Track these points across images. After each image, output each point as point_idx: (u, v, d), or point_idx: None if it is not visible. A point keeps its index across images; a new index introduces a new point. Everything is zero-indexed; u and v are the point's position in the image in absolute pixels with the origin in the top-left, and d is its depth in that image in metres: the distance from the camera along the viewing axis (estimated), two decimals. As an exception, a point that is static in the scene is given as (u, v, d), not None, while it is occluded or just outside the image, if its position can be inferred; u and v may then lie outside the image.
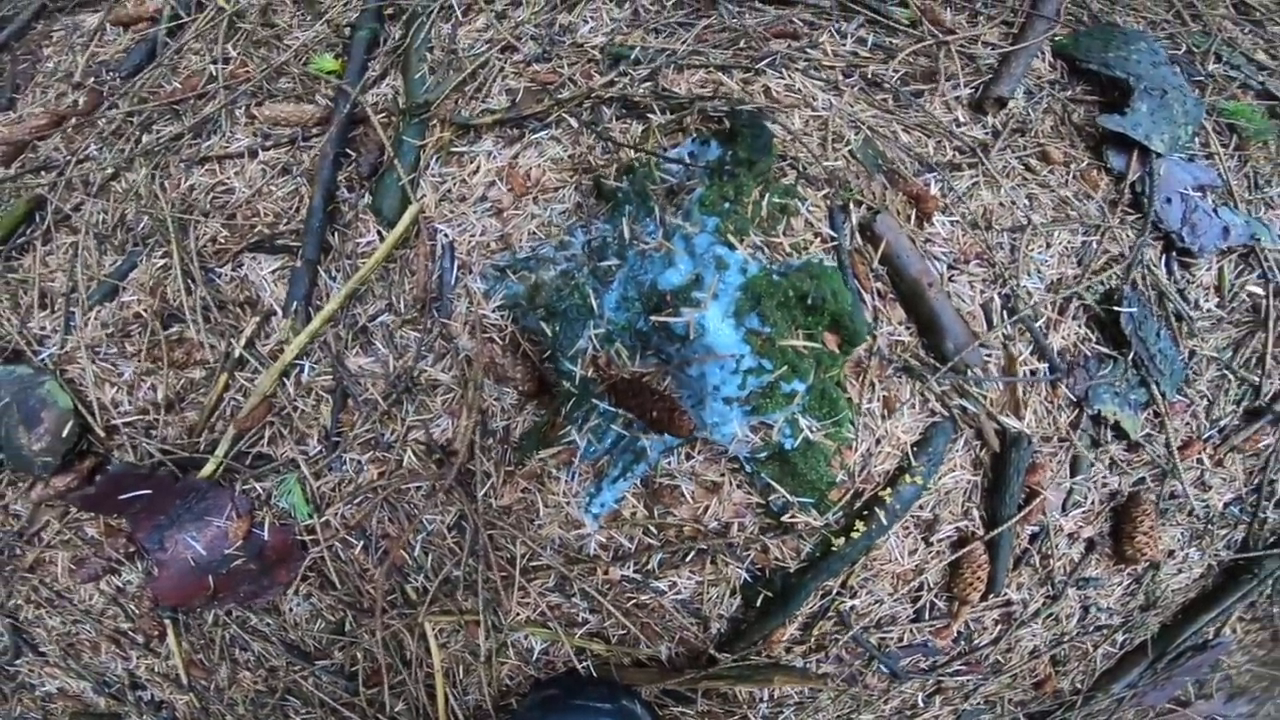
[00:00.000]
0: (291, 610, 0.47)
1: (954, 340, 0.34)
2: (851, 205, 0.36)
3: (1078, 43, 0.46)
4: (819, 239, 0.35)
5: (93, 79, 0.57)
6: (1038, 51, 0.46)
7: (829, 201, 0.36)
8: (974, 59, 0.44)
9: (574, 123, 0.41)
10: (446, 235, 0.40)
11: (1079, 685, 0.47)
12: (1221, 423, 0.42)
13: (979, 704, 0.46)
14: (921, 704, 0.44)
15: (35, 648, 0.55)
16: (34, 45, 0.63)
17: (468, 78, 0.44)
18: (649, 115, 0.41)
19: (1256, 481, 0.43)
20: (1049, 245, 0.38)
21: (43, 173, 0.52)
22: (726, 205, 0.33)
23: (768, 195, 0.33)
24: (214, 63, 0.51)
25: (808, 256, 0.33)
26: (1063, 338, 0.38)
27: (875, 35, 0.45)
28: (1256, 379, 0.42)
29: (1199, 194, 0.42)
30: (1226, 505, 0.43)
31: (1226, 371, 0.41)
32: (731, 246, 0.32)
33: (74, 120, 0.55)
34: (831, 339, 0.32)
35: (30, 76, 0.60)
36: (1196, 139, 0.44)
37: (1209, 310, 0.42)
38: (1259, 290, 0.42)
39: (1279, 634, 0.50)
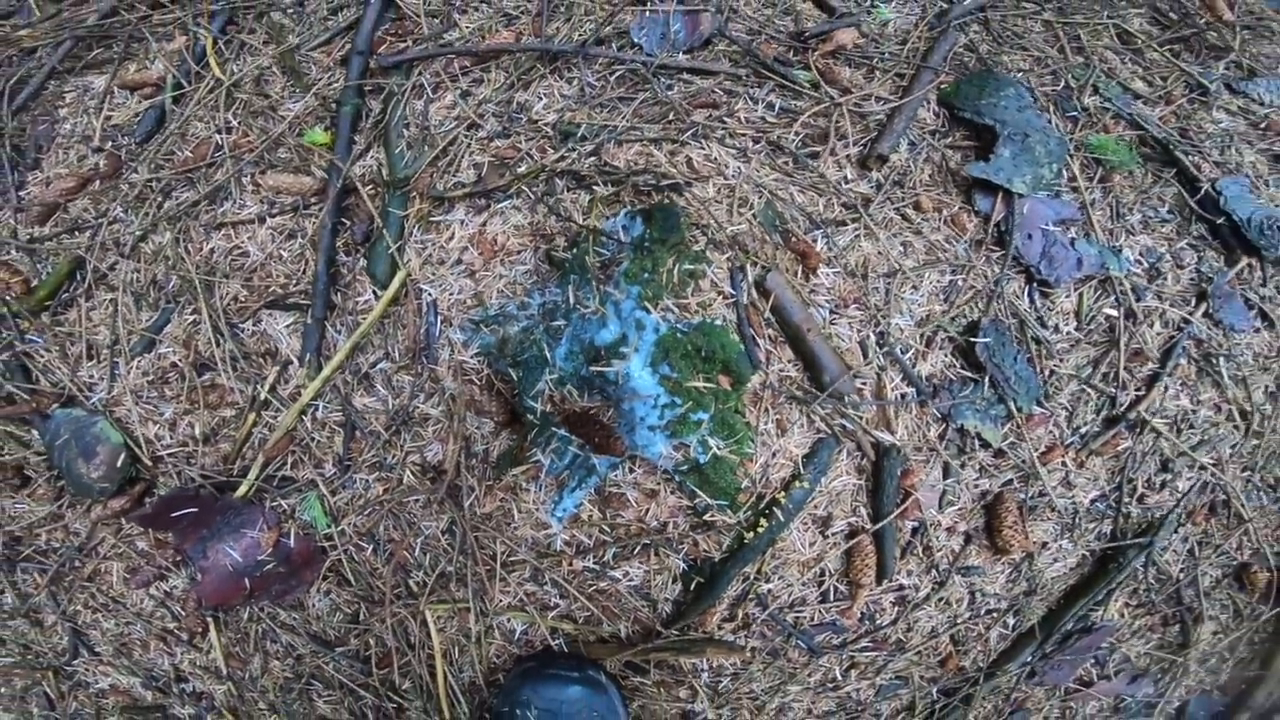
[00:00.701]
0: (314, 605, 0.67)
1: (830, 373, 0.52)
2: (748, 265, 0.54)
3: (958, 91, 0.63)
4: (721, 296, 0.53)
5: (110, 143, 0.76)
6: (923, 102, 0.62)
7: (730, 263, 0.54)
8: (864, 116, 0.61)
9: (531, 195, 0.59)
10: (430, 294, 0.59)
11: (980, 663, 0.66)
12: (1082, 430, 0.59)
13: (892, 678, 0.65)
14: (840, 677, 0.63)
15: (91, 648, 0.77)
16: (49, 106, 0.82)
17: (440, 154, 0.62)
18: (594, 187, 0.59)
19: (1117, 481, 0.61)
20: (918, 287, 0.56)
21: (76, 233, 0.71)
22: (646, 275, 0.51)
23: (679, 264, 0.51)
24: (218, 131, 0.70)
25: (703, 317, 0.51)
26: (930, 365, 0.55)
27: (782, 99, 0.62)
28: (1113, 391, 0.60)
29: (1059, 228, 0.59)
30: (1092, 502, 0.61)
31: (1085, 386, 0.59)
32: (648, 310, 0.50)
33: (98, 183, 0.74)
34: (725, 380, 0.50)
35: (51, 137, 0.79)
36: (1063, 175, 0.61)
37: (1068, 333, 0.59)
38: (1113, 312, 0.60)
39: (1168, 619, 0.68)
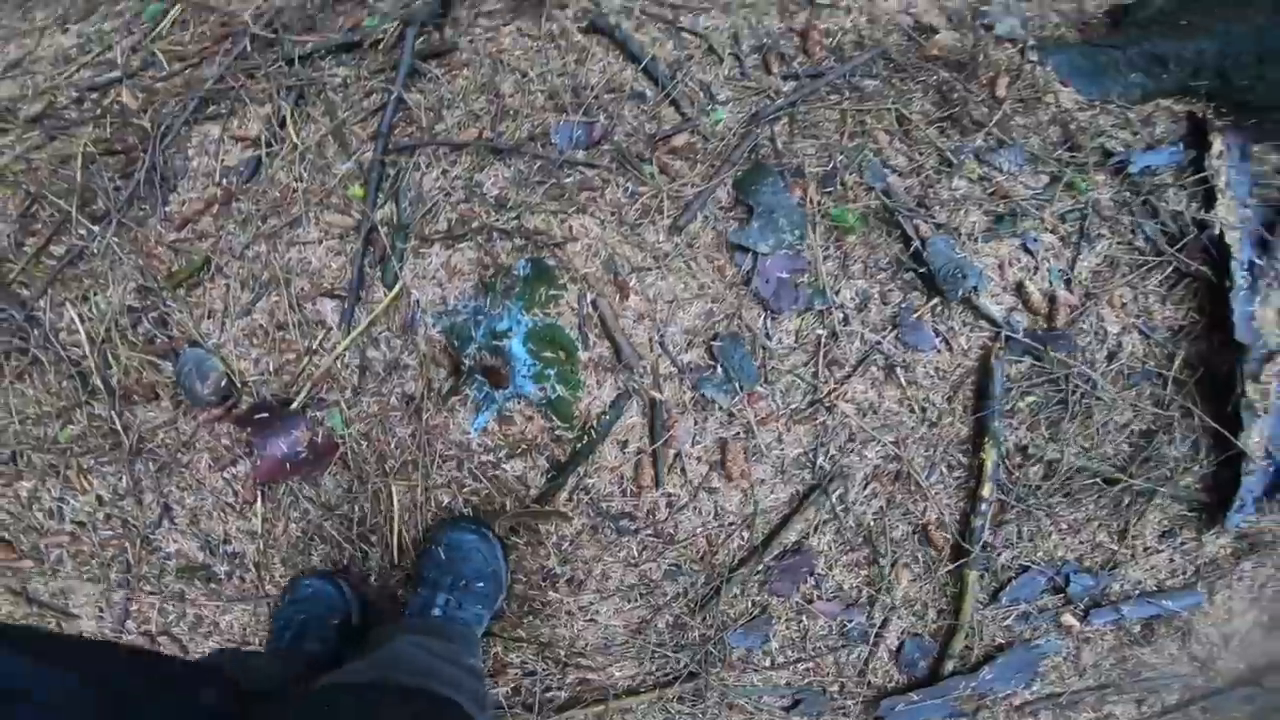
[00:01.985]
0: (325, 483, 1.53)
1: (626, 356, 1.32)
2: (588, 293, 1.35)
3: (742, 179, 1.41)
4: (571, 310, 1.34)
5: (225, 179, 1.65)
6: (720, 186, 1.42)
7: (579, 290, 1.35)
8: (679, 197, 1.41)
9: (478, 242, 1.42)
10: (416, 296, 1.43)
11: (727, 564, 1.42)
12: (791, 406, 1.36)
13: (670, 565, 1.43)
14: (637, 555, 1.42)
15: (172, 519, 1.66)
16: (183, 145, 1.74)
17: (427, 210, 1.47)
18: (514, 240, 1.42)
19: (815, 444, 1.37)
20: (688, 310, 1.35)
21: (203, 239, 1.61)
22: (527, 296, 1.34)
23: (547, 290, 1.34)
24: (295, 180, 1.58)
25: (554, 320, 1.33)
26: (689, 356, 1.34)
27: (634, 185, 1.43)
28: (815, 384, 1.36)
29: (792, 273, 1.37)
30: (796, 456, 1.37)
31: (795, 377, 1.36)
32: (524, 314, 1.33)
33: (217, 208, 1.63)
34: (564, 354, 1.31)
35: (185, 171, 1.70)
36: (804, 238, 1.38)
37: (788, 344, 1.36)
38: (821, 332, 1.36)
39: (868, 559, 1.42)
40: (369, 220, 1.46)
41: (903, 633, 1.48)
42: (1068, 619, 1.46)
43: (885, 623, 1.46)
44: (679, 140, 1.43)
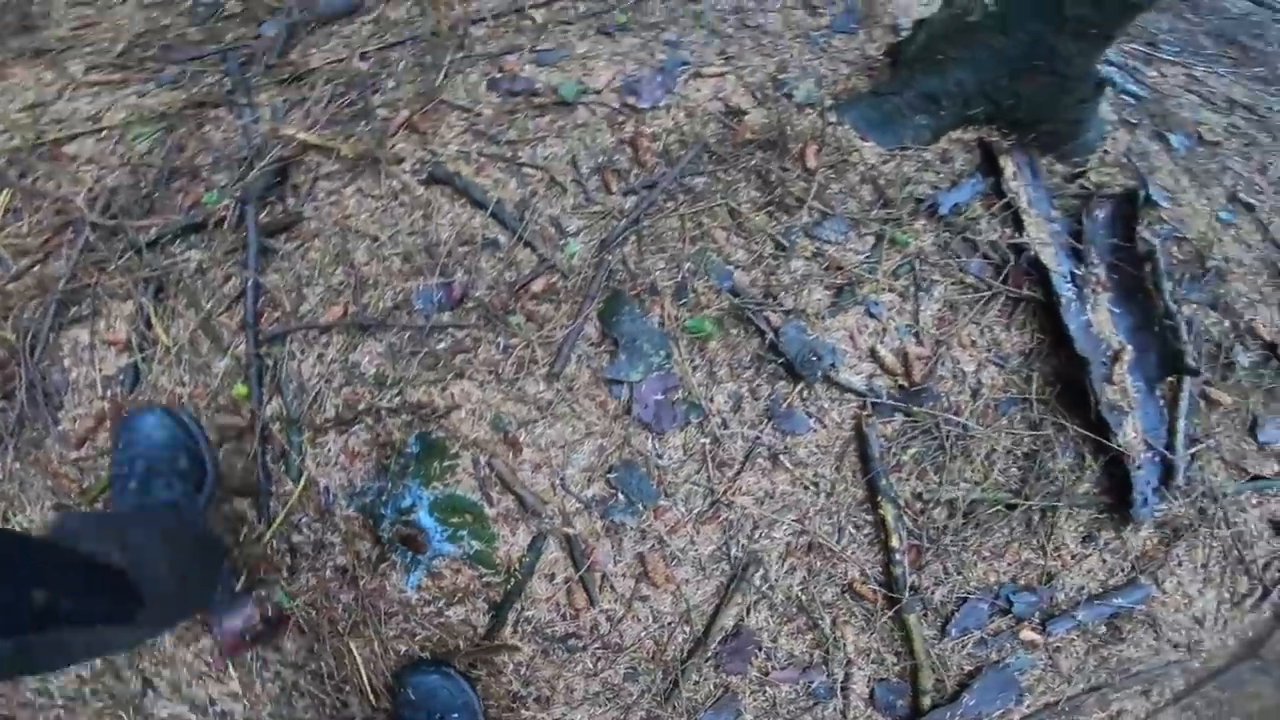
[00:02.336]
0: (287, 647, 1.65)
1: (531, 505, 1.43)
2: (481, 455, 1.43)
3: (604, 311, 1.48)
4: (469, 474, 1.43)
5: (108, 390, 1.66)
6: (587, 321, 1.49)
7: (472, 455, 1.44)
8: (550, 342, 1.48)
9: (368, 422, 1.48)
10: (323, 483, 1.50)
11: (678, 657, 1.60)
12: (695, 510, 1.50)
13: (627, 668, 1.60)
14: (593, 668, 1.59)
15: (155, 689, 1.78)
16: (55, 356, 1.72)
17: (311, 399, 1.52)
18: (401, 416, 1.48)
19: (725, 539, 1.52)
20: (580, 451, 1.45)
21: (106, 455, 1.63)
22: (423, 471, 1.42)
23: (440, 463, 1.42)
24: (178, 384, 1.60)
25: (454, 489, 1.42)
26: (591, 491, 1.46)
27: (505, 339, 1.49)
28: (711, 486, 1.49)
29: (666, 393, 1.47)
30: (711, 552, 1.52)
31: (693, 485, 1.49)
32: (425, 489, 1.42)
33: (109, 421, 1.65)
34: (471, 516, 1.42)
35: (66, 384, 1.70)
36: (670, 356, 1.48)
37: (679, 459, 1.48)
38: (705, 440, 1.48)
39: (807, 625, 1.60)
40: (260, 419, 1.51)
41: (869, 680, 1.65)
42: (1027, 634, 1.60)
43: (848, 676, 1.61)
44: (539, 284, 1.48)
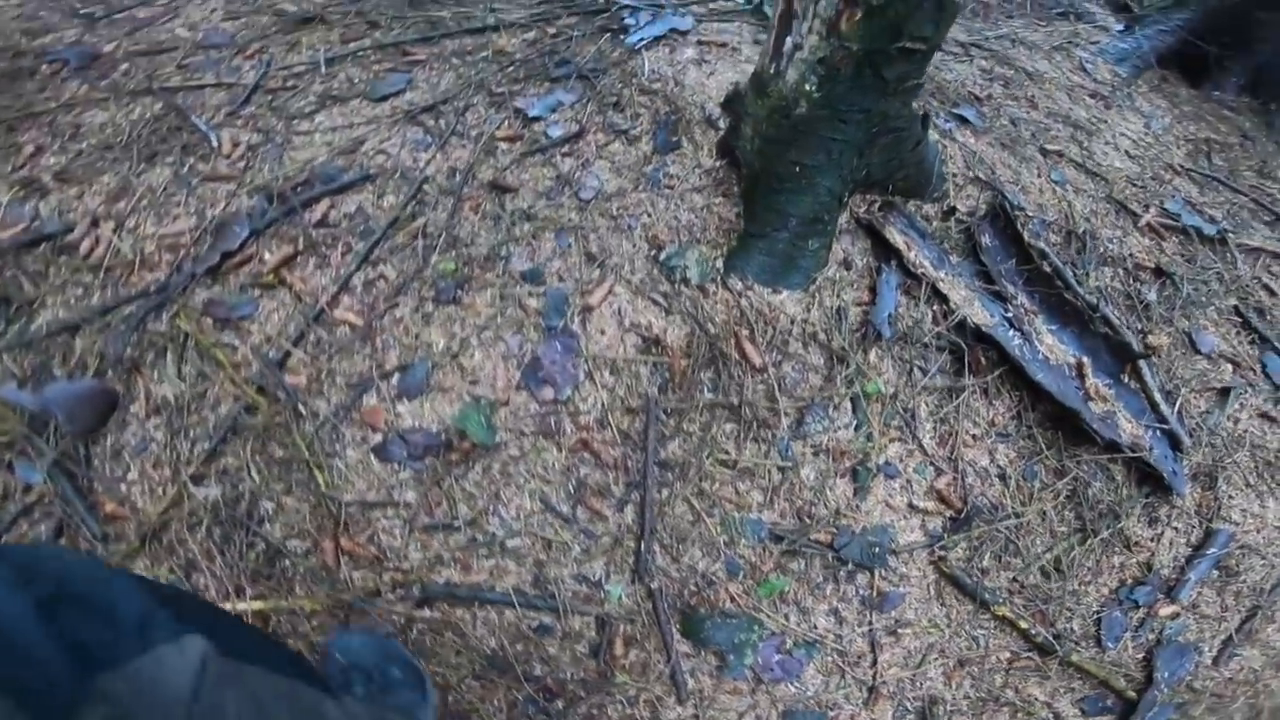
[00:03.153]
0: None
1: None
2: None
3: (685, 630, 1.53)
4: None
5: None
6: (677, 644, 1.54)
7: None
8: (662, 678, 1.54)
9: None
10: None
11: None
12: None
13: None
14: None
15: None
16: None
17: None
18: None
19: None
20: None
21: None
22: None
23: None
24: None
25: None
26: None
27: (619, 702, 1.56)
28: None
29: (780, 651, 1.54)
30: None
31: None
32: None
33: None
34: None
35: None
36: (764, 624, 1.53)
37: (821, 682, 1.57)
38: (832, 659, 1.56)
39: None
40: None
41: (1072, 703, 1.80)
42: (1164, 609, 1.73)
43: (1056, 715, 1.78)
44: (617, 644, 1.53)
